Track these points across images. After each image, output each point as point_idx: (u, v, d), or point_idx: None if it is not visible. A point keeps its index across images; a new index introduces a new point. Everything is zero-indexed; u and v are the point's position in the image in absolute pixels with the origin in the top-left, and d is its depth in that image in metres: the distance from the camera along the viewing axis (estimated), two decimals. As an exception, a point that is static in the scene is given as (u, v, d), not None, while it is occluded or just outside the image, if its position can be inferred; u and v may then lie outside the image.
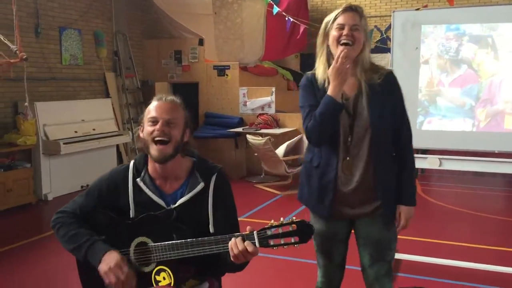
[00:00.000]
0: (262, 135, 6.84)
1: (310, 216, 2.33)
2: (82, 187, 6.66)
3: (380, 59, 11.45)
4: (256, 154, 6.77)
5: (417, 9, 3.66)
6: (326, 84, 2.13)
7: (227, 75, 8.14)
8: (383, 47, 11.35)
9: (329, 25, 2.12)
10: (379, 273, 2.24)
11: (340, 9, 2.10)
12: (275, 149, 6.49)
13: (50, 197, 6.21)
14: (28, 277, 3.78)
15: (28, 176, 5.91)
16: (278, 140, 7.03)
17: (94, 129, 6.86)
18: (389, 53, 12.24)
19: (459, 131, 3.60)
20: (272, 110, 7.72)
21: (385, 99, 2.12)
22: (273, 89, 7.78)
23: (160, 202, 1.93)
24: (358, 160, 2.13)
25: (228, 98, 8.07)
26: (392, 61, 3.69)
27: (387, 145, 2.17)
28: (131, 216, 1.94)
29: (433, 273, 3.67)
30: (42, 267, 3.98)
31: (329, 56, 2.14)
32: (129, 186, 1.96)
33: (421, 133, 3.66)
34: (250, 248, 1.70)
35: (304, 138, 6.74)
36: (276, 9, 8.70)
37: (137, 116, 8.18)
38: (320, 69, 2.18)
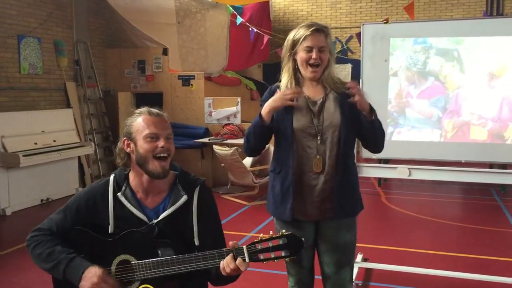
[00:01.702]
0: (228, 145, 6.81)
1: (275, 225, 2.37)
2: (42, 200, 6.43)
3: (341, 70, 11.69)
4: (223, 164, 6.74)
5: (386, 22, 3.75)
6: None
7: (192, 85, 8.08)
8: (344, 58, 11.60)
9: (297, 44, 2.20)
10: (345, 279, 2.29)
11: (309, 31, 2.18)
12: (242, 160, 6.47)
13: (8, 212, 5.94)
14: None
15: (-15, 190, 5.65)
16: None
17: (54, 141, 6.64)
18: (349, 64, 12.57)
19: (427, 142, 3.69)
20: (237, 120, 7.70)
21: (351, 104, 2.18)
22: (239, 99, 7.77)
23: (142, 217, 1.88)
24: (327, 158, 2.21)
25: (193, 108, 8.01)
26: (362, 73, 3.75)
27: (351, 147, 2.27)
28: (109, 231, 1.87)
29: (402, 281, 3.73)
30: (3, 286, 3.79)
31: (296, 71, 2.27)
32: (110, 201, 1.90)
33: (390, 143, 3.72)
34: (242, 267, 1.70)
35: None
36: (239, 20, 8.73)
37: (99, 127, 7.99)
38: (284, 81, 2.29)
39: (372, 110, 2.21)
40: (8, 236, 5.40)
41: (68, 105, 7.46)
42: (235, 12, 8.96)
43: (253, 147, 2.32)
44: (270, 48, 10.96)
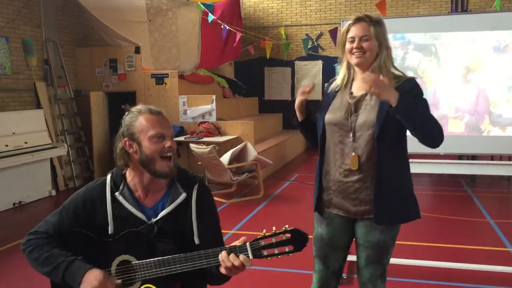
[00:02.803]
0: (205, 143, 6.79)
1: (314, 221, 2.40)
2: (14, 204, 6.26)
3: (312, 66, 11.81)
4: (200, 163, 6.70)
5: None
6: (337, 89, 2.31)
7: (165, 83, 8.00)
8: (314, 54, 11.71)
9: (344, 37, 2.23)
10: (374, 274, 2.29)
11: (351, 21, 2.19)
12: (219, 157, 6.45)
13: (-21, 217, 5.77)
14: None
15: (-45, 195, 5.46)
16: (220, 148, 7.00)
17: (26, 142, 6.47)
18: (320, 60, 12.66)
19: (407, 136, 3.77)
20: (213, 118, 7.69)
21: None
22: (214, 97, 7.76)
23: (141, 216, 1.86)
24: (362, 156, 2.18)
25: (168, 107, 7.93)
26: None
27: (391, 146, 2.15)
28: (110, 232, 1.85)
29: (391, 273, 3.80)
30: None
31: (349, 65, 2.27)
32: (107, 201, 1.87)
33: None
34: (247, 263, 1.68)
35: (249, 145, 6.78)
36: (211, 17, 8.70)
37: (71, 127, 7.82)
38: (340, 75, 2.31)
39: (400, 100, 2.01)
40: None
41: (39, 106, 7.27)
42: (206, 9, 8.92)
43: (309, 141, 2.47)
44: (242, 46, 10.97)
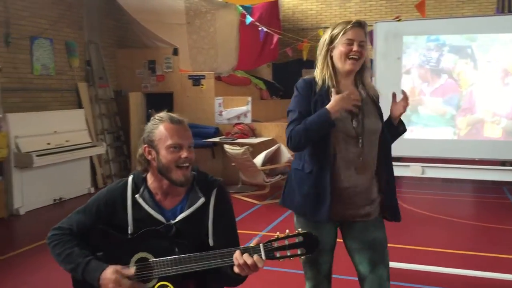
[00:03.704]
0: (239, 144, 6.83)
1: (295, 224, 2.33)
2: (55, 200, 6.48)
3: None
4: (233, 164, 6.75)
5: (398, 20, 3.73)
6: (326, 86, 2.21)
7: (202, 85, 8.10)
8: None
9: (337, 38, 2.17)
10: (382, 278, 2.21)
11: (349, 25, 2.16)
12: (253, 159, 6.48)
13: (22, 212, 6.00)
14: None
15: (-1, 190, 5.71)
16: (255, 149, 7.02)
17: (67, 141, 6.69)
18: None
19: (441, 140, 3.68)
20: (248, 120, 7.72)
21: (379, 108, 2.30)
22: (249, 98, 7.79)
23: (160, 217, 1.89)
24: (369, 161, 2.21)
25: (204, 108, 8.03)
26: (375, 71, 3.74)
27: (389, 148, 2.30)
28: (129, 232, 1.89)
29: (414, 279, 3.71)
30: (17, 285, 3.82)
31: (332, 67, 2.22)
32: (128, 201, 1.91)
33: (403, 141, 3.69)
34: (260, 263, 1.69)
35: (282, 147, 6.76)
36: (249, 19, 8.74)
37: (110, 127, 8.04)
38: (326, 76, 2.22)
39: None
40: (22, 235, 5.45)
41: (80, 106, 7.52)
42: (244, 11, 8.97)
43: (309, 143, 2.18)
44: (279, 48, 10.97)
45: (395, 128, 2.33)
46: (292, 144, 2.17)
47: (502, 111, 3.52)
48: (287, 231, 1.76)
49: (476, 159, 3.59)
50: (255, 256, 1.70)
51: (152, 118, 1.94)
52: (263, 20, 9.69)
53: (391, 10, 11.29)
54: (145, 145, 1.90)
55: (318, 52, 2.25)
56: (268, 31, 8.94)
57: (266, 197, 6.80)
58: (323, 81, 2.22)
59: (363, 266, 2.24)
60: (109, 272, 1.78)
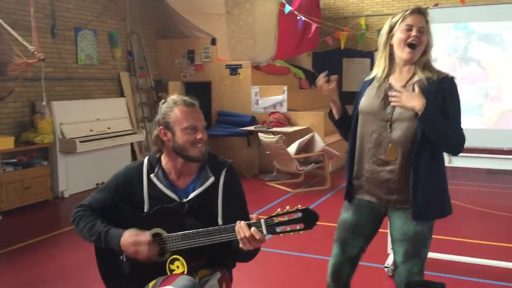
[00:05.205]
0: (274, 133, 6.91)
1: (342, 207, 2.41)
2: (97, 184, 6.78)
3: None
4: (268, 152, 6.85)
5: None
6: (383, 79, 2.25)
7: (239, 74, 8.22)
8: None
9: (396, 25, 2.17)
10: (412, 270, 2.22)
11: (408, 11, 2.16)
12: (287, 147, 6.55)
13: (66, 194, 6.35)
14: (47, 271, 3.90)
15: (45, 173, 6.05)
16: (289, 138, 7.09)
17: (109, 128, 6.99)
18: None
19: (468, 129, 3.59)
20: (284, 109, 7.78)
21: (433, 96, 2.11)
22: (285, 87, 7.84)
23: (173, 196, 2.02)
24: (399, 148, 2.17)
25: (240, 97, 8.15)
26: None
27: (427, 140, 2.11)
28: (145, 209, 2.04)
29: (447, 269, 3.70)
30: (60, 261, 4.10)
31: (392, 56, 2.23)
32: (144, 181, 2.05)
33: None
34: (257, 235, 1.78)
35: (316, 136, 6.80)
36: (288, 8, 8.75)
37: (151, 115, 8.30)
38: (380, 68, 2.26)
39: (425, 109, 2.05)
40: (66, 217, 5.78)
41: (122, 94, 7.81)
42: (283, 1, 8.98)
43: (343, 136, 2.44)
44: (320, 37, 10.90)
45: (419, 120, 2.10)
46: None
47: (532, 100, 3.44)
48: (287, 207, 1.82)
49: (505, 149, 3.53)
50: (253, 228, 1.79)
51: (164, 100, 2.06)
52: (303, 9, 9.65)
53: (435, -3, 10.99)
54: (161, 127, 2.02)
55: (378, 41, 2.25)
56: (307, 20, 8.93)
57: (299, 185, 6.88)
58: (382, 72, 2.25)
59: (398, 256, 2.25)
60: (127, 236, 1.93)
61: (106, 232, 1.96)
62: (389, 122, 2.18)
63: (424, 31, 2.13)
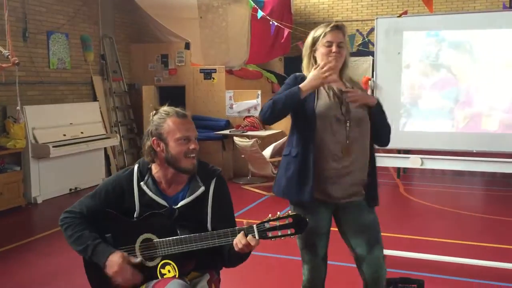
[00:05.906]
0: (249, 137, 6.98)
1: (290, 209, 2.45)
2: (70, 189, 6.72)
3: (362, 62, 11.72)
4: (243, 156, 6.91)
5: (399, 16, 3.84)
6: None
7: (213, 78, 8.26)
8: (365, 50, 11.62)
9: (318, 40, 2.40)
10: (380, 258, 2.38)
11: (328, 28, 2.38)
12: (262, 151, 6.63)
13: (39, 200, 6.25)
14: (21, 279, 3.83)
15: (17, 179, 5.95)
16: (264, 142, 7.18)
17: (82, 132, 6.92)
18: (371, 56, 12.48)
19: (440, 132, 3.79)
20: (258, 113, 7.86)
21: None
22: (259, 92, 7.93)
23: (163, 202, 2.07)
24: (356, 144, 2.35)
25: (215, 101, 8.20)
26: (376, 66, 3.86)
27: (375, 134, 2.46)
28: (135, 215, 2.07)
29: (416, 267, 3.84)
30: (34, 269, 4.03)
31: (316, 63, 2.42)
32: (135, 188, 2.09)
33: (403, 134, 3.84)
34: (252, 242, 1.86)
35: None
36: (260, 13, 8.84)
37: (124, 119, 8.25)
38: (306, 74, 2.43)
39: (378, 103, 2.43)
40: (39, 223, 5.71)
41: (95, 98, 7.74)
42: (256, 6, 9.08)
43: (277, 115, 2.31)
44: (291, 41, 11.05)
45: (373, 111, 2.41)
46: (261, 114, 2.40)
47: (499, 105, 3.61)
48: (278, 213, 1.91)
49: (474, 151, 3.70)
50: (249, 237, 1.87)
51: (156, 111, 2.10)
52: (275, 14, 9.78)
53: (403, 4, 11.30)
54: (154, 138, 2.06)
55: (303, 52, 2.47)
56: (279, 25, 9.05)
57: (274, 188, 6.95)
58: None
59: (361, 248, 2.38)
60: (117, 256, 1.96)
61: (96, 246, 1.98)
62: (346, 121, 2.33)
63: (343, 46, 2.38)
